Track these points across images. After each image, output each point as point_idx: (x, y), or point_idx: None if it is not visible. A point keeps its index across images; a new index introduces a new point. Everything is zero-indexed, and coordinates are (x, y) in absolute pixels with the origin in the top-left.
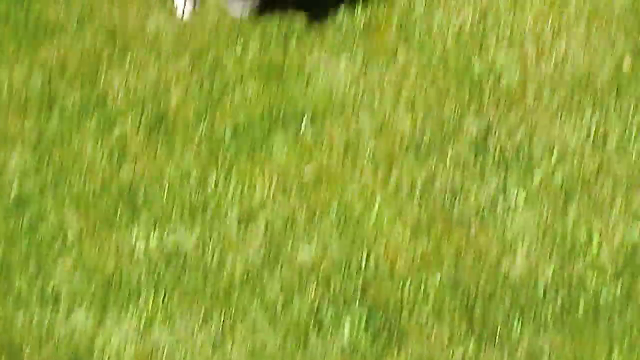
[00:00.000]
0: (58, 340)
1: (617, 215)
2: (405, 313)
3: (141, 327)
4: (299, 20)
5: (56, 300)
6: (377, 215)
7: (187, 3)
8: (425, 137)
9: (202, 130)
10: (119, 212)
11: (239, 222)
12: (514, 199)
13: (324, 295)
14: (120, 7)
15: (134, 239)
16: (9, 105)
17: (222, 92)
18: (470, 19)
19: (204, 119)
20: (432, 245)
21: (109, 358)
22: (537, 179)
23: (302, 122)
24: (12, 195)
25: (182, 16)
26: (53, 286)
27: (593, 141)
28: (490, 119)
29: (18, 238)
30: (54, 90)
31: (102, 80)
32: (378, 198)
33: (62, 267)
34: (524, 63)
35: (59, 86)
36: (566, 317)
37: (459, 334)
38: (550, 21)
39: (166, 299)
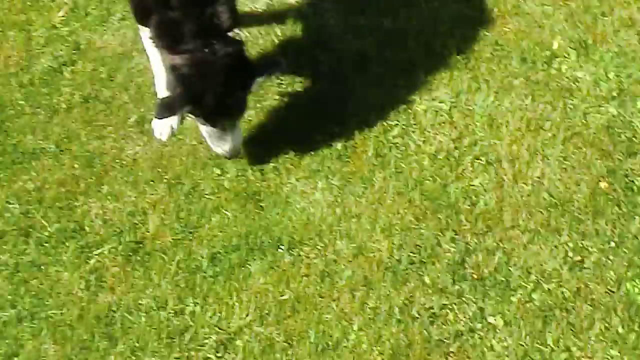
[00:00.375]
0: None
1: (595, 338)
2: None
3: None
4: (275, 145)
5: None
6: (355, 340)
7: (165, 126)
8: (402, 261)
9: (179, 257)
10: (96, 341)
11: (216, 349)
12: (493, 322)
13: None
14: (98, 134)
15: None
16: None
17: (199, 218)
18: (446, 141)
19: (181, 246)
20: None
21: None
22: (515, 302)
23: (279, 248)
24: None
25: (161, 138)
26: None
27: (570, 264)
28: (468, 242)
29: None
30: (31, 219)
31: (79, 209)
32: (356, 323)
33: None
34: (500, 185)
35: (36, 215)
36: None
37: None
38: (526, 143)
39: None
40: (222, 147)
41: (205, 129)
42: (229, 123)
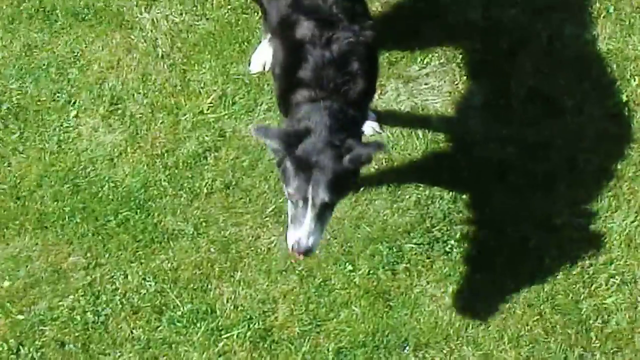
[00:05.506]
0: None
1: None
2: None
3: None
4: (408, 246)
5: None
6: None
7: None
8: None
9: (305, 349)
10: None
11: None
12: None
13: None
14: (236, 220)
15: None
16: (121, 309)
17: (328, 312)
18: (581, 257)
19: (308, 338)
20: None
21: None
22: None
23: (405, 349)
24: None
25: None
26: None
27: None
28: None
29: None
30: (165, 298)
31: (212, 292)
32: None
33: None
34: (634, 306)
35: (170, 294)
36: None
37: None
38: None
39: None
40: (292, 235)
41: (289, 204)
42: (311, 202)
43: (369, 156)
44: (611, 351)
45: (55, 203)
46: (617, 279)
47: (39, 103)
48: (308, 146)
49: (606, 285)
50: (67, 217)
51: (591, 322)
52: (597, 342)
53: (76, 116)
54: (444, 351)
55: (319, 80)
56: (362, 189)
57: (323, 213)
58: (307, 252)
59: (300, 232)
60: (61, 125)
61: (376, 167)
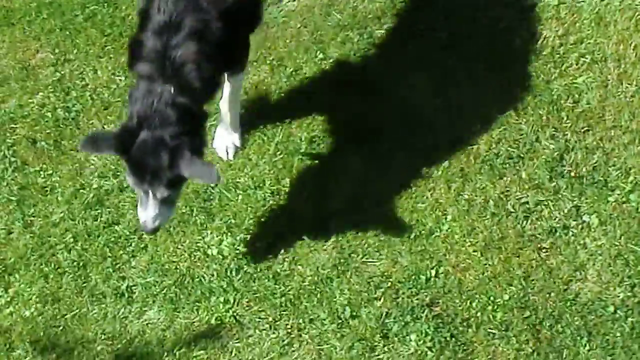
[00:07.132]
0: (130, 337)
1: None
2: (471, 329)
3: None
4: (379, 32)
5: (130, 297)
6: (448, 230)
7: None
8: (500, 155)
9: (278, 139)
10: (194, 216)
11: (311, 230)
12: (587, 221)
13: (391, 307)
14: None
15: (207, 243)
16: (92, 105)
17: (300, 101)
18: (552, 37)
19: (281, 128)
20: (502, 263)
21: (179, 357)
22: (611, 202)
23: (377, 138)
24: (92, 193)
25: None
26: (127, 284)
27: None
28: (567, 140)
29: (96, 235)
30: None
31: None
32: (450, 214)
33: (137, 266)
34: (604, 84)
35: None
36: (635, 339)
37: (525, 353)
38: (633, 43)
39: (236, 303)
40: (140, 214)
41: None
42: (150, 189)
43: (199, 175)
44: (582, 130)
45: None
46: (587, 58)
47: None
48: (141, 145)
49: (577, 64)
50: (33, 12)
51: (562, 102)
52: (568, 121)
53: None
54: (418, 135)
55: (159, 60)
56: None
57: (166, 200)
58: (154, 232)
59: (146, 216)
60: None
61: None
